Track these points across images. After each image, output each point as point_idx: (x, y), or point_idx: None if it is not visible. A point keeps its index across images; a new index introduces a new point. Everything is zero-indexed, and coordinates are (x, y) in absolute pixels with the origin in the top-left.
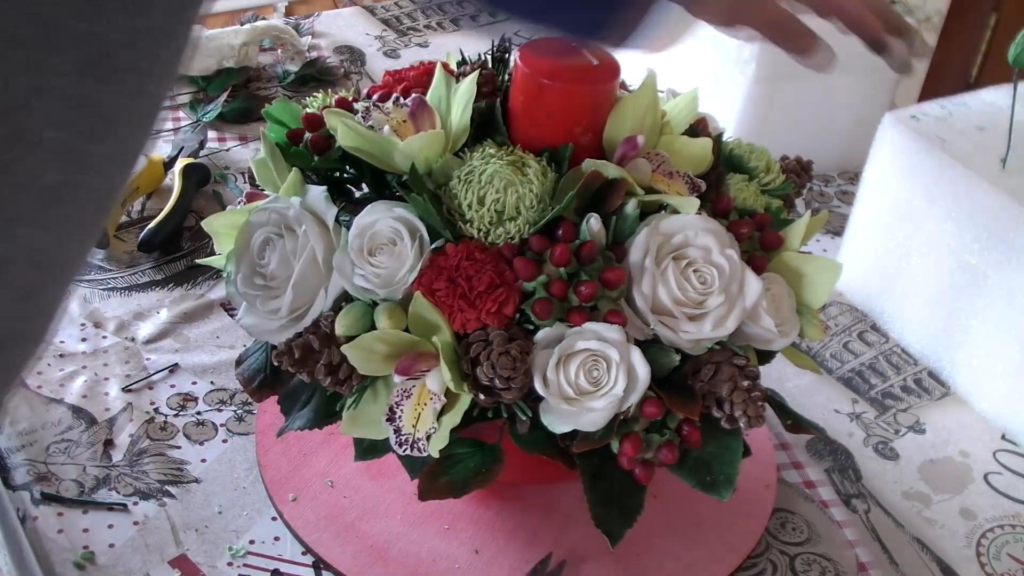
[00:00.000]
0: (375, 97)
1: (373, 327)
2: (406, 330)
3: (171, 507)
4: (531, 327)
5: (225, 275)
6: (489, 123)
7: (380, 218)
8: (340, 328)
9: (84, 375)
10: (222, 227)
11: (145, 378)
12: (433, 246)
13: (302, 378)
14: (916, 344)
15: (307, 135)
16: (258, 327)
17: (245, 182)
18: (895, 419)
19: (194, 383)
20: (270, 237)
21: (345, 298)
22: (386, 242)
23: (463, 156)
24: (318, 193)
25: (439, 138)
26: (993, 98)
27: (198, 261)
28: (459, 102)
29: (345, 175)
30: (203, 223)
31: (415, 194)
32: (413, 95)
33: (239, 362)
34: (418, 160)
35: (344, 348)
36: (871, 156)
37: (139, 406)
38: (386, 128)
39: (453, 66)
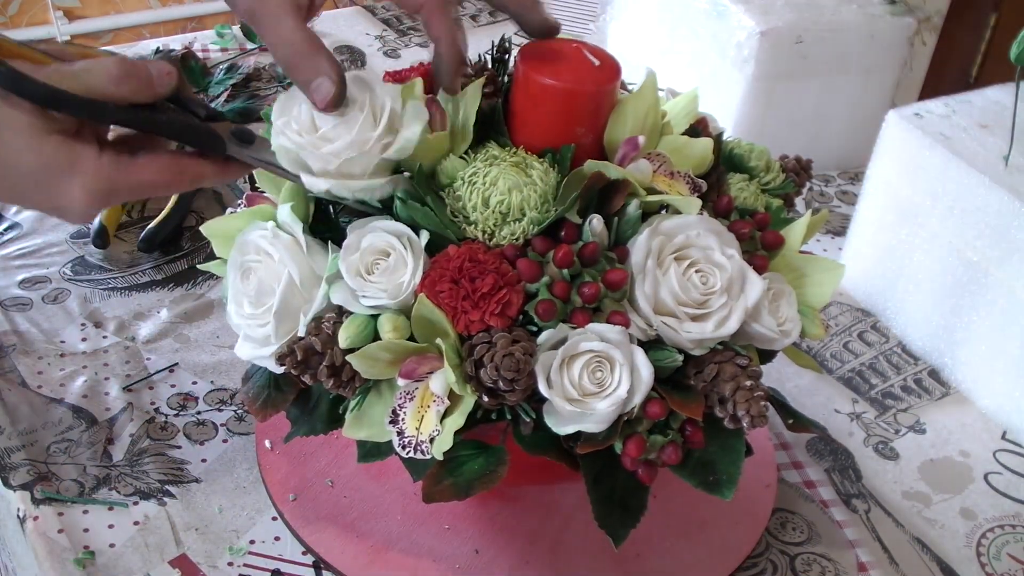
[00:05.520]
0: None
1: (376, 335)
2: (410, 338)
3: (171, 507)
4: (534, 328)
5: (225, 302)
6: (490, 124)
7: (364, 235)
8: (344, 341)
9: (84, 375)
10: (220, 231)
11: (145, 378)
12: (423, 243)
13: (305, 380)
14: (918, 341)
15: None
16: (256, 356)
17: (246, 182)
18: (895, 419)
19: (194, 383)
20: (250, 264)
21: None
22: (379, 256)
23: (467, 158)
24: (286, 211)
25: (443, 140)
26: (997, 96)
27: (199, 266)
28: (463, 106)
29: None
30: (201, 228)
31: (412, 202)
32: (426, 96)
33: (245, 380)
34: (421, 162)
35: (349, 358)
36: (874, 153)
37: (139, 406)
38: None
39: None
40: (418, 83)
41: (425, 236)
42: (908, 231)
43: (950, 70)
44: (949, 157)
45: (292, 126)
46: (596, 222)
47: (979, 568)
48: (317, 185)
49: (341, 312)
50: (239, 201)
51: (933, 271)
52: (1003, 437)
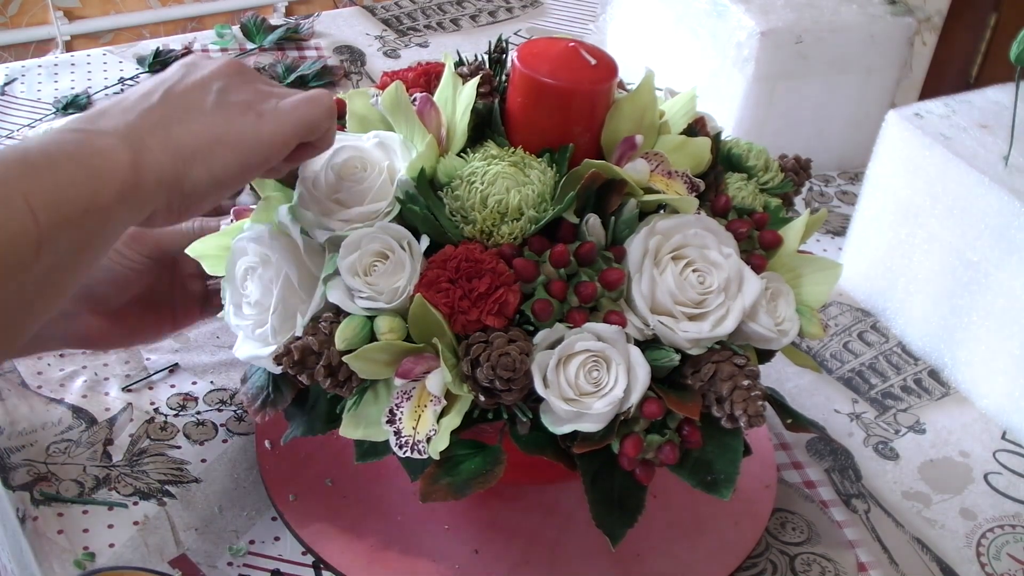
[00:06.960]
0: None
1: (372, 335)
2: (407, 338)
3: (171, 507)
4: (531, 328)
5: (224, 303)
6: (487, 124)
7: (364, 237)
8: (340, 343)
9: (84, 375)
10: (207, 251)
11: (145, 378)
12: (423, 248)
13: (302, 380)
14: (918, 341)
15: None
16: (254, 357)
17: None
18: (895, 419)
19: (194, 383)
20: (250, 266)
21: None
22: (377, 258)
23: (464, 157)
24: (283, 212)
25: (433, 147)
26: (996, 96)
27: (187, 251)
28: (459, 106)
29: None
30: (187, 251)
31: (411, 205)
32: (421, 93)
33: (244, 380)
34: (416, 166)
35: (346, 359)
36: (874, 153)
37: (139, 406)
38: None
39: (450, 67)
40: (399, 87)
41: (425, 241)
42: (908, 231)
43: (950, 70)
44: (949, 157)
45: (311, 186)
46: (593, 221)
47: (979, 568)
48: (321, 236)
49: (338, 312)
50: (229, 218)
51: (933, 271)
52: (1003, 437)
